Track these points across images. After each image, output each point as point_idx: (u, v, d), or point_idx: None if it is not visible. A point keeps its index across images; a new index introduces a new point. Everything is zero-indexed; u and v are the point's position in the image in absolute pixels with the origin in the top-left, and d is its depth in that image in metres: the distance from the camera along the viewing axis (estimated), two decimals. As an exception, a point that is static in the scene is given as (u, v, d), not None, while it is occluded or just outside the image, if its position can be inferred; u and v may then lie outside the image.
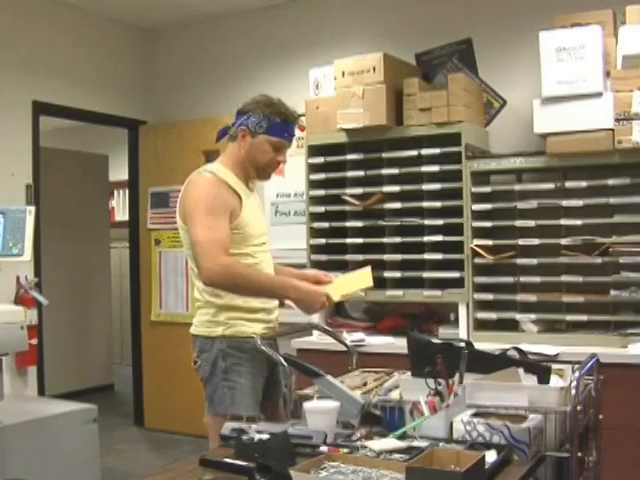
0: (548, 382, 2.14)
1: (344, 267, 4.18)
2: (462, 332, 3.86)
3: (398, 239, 4.08)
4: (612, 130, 3.47)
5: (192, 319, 2.67)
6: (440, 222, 3.97)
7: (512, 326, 3.86)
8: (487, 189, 3.95)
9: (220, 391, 2.52)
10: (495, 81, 4.34)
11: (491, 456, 1.71)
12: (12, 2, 4.72)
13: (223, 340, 2.52)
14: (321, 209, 4.29)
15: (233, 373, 2.51)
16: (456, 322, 3.94)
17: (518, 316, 3.80)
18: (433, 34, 4.49)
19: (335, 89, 4.16)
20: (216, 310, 2.55)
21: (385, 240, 4.11)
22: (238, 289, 2.46)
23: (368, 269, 2.71)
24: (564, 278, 3.69)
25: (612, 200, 3.59)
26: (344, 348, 2.68)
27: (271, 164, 2.63)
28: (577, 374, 2.00)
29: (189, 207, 2.49)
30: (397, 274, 4.07)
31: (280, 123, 2.58)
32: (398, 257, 4.07)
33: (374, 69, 3.98)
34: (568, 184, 3.71)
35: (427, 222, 3.99)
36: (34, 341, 4.40)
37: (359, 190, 4.18)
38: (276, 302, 2.68)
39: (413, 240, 4.03)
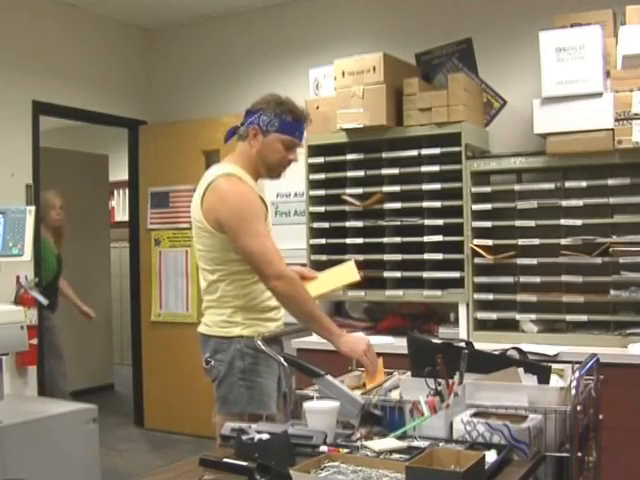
0: (548, 382, 2.14)
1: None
2: (462, 332, 3.86)
3: (398, 239, 4.08)
4: (612, 130, 3.47)
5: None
6: (440, 222, 3.96)
7: (512, 326, 3.86)
8: (487, 189, 3.95)
9: (237, 391, 2.51)
10: (495, 81, 4.34)
11: (491, 456, 1.71)
12: (12, 2, 4.72)
13: (241, 340, 2.51)
14: (321, 209, 4.29)
15: (251, 373, 2.51)
16: (456, 322, 3.94)
17: (518, 316, 3.80)
18: (433, 34, 4.49)
19: (335, 89, 4.16)
20: (233, 310, 2.54)
21: (385, 240, 4.11)
22: (294, 306, 2.49)
23: (352, 263, 2.71)
24: (564, 278, 3.69)
25: (612, 200, 3.59)
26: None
27: (283, 163, 2.63)
28: (577, 374, 2.00)
29: (229, 215, 2.47)
30: (397, 274, 4.07)
31: (291, 121, 2.58)
32: (398, 257, 4.07)
33: (374, 69, 3.98)
34: (568, 184, 3.71)
35: (427, 222, 3.99)
36: (34, 341, 4.40)
37: (359, 190, 4.18)
38: None
39: (413, 240, 4.03)
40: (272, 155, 2.59)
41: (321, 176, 4.29)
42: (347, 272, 2.68)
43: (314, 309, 2.50)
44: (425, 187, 4.00)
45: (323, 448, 1.81)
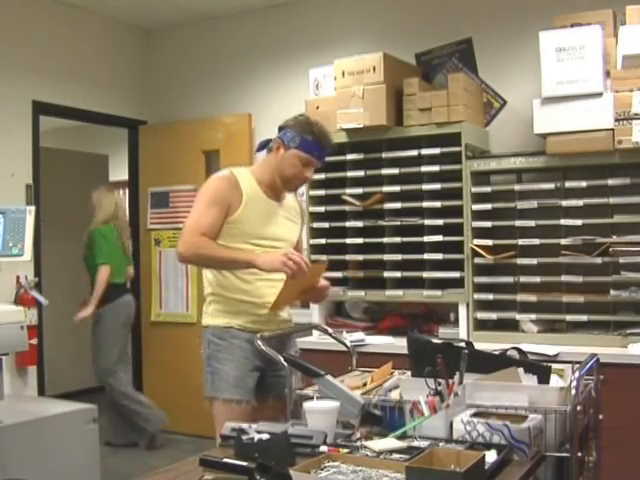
0: (548, 382, 2.14)
1: (344, 267, 4.19)
2: (462, 332, 3.86)
3: (398, 239, 4.07)
4: (612, 130, 3.47)
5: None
6: (440, 222, 3.96)
7: (512, 326, 3.86)
8: (487, 189, 3.95)
9: (205, 376, 2.73)
10: (495, 81, 4.34)
11: (491, 456, 1.71)
12: (12, 2, 4.72)
13: (209, 330, 2.75)
14: (321, 209, 4.29)
15: (213, 359, 2.70)
16: (456, 322, 3.94)
17: (518, 316, 3.80)
18: (433, 34, 4.49)
19: (335, 89, 4.16)
20: (208, 302, 2.79)
21: (385, 240, 4.11)
22: (204, 262, 2.73)
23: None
24: (564, 278, 3.69)
25: (612, 200, 3.59)
26: (344, 348, 2.69)
27: (298, 177, 2.77)
28: (577, 374, 2.00)
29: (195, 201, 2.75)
30: (397, 274, 4.07)
31: (311, 141, 2.73)
32: (398, 257, 4.07)
33: (374, 69, 3.98)
34: (568, 184, 3.71)
35: (427, 222, 3.99)
36: (34, 341, 4.40)
37: (359, 190, 4.18)
38: (269, 298, 2.67)
39: (413, 240, 4.03)
40: (288, 169, 2.74)
41: (321, 176, 4.28)
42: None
43: (223, 256, 2.63)
44: (425, 187, 3.99)
45: (323, 448, 1.81)
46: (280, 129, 2.81)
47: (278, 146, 2.76)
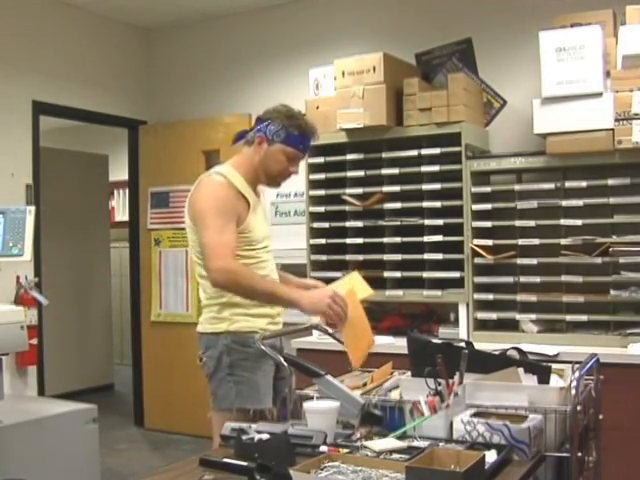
0: (548, 382, 2.14)
1: (344, 267, 4.19)
2: (462, 332, 3.86)
3: (398, 239, 4.08)
4: (612, 130, 3.47)
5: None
6: (440, 222, 3.97)
7: (512, 326, 3.86)
8: (487, 189, 3.95)
9: (225, 386, 2.55)
10: (495, 81, 4.34)
11: (491, 456, 1.71)
12: (12, 2, 4.72)
13: (227, 336, 2.56)
14: (321, 209, 4.29)
15: (238, 368, 2.54)
16: (456, 322, 3.94)
17: (518, 316, 3.80)
18: (433, 34, 4.49)
19: (335, 89, 4.16)
20: (220, 307, 2.59)
21: (385, 240, 4.11)
22: (243, 292, 2.51)
23: (356, 274, 2.70)
24: (564, 278, 3.69)
25: (612, 200, 3.59)
26: (344, 348, 2.68)
27: (283, 174, 2.69)
28: (577, 374, 2.00)
29: (199, 208, 2.54)
30: (397, 274, 4.07)
31: (298, 135, 2.63)
32: (398, 257, 4.07)
33: (374, 69, 3.98)
34: (568, 184, 3.71)
35: (427, 222, 3.99)
36: (34, 341, 4.40)
37: (359, 190, 4.18)
38: None
39: (413, 240, 4.03)
40: (273, 165, 2.64)
41: (321, 176, 4.29)
42: (357, 286, 2.65)
43: (264, 289, 2.50)
44: (425, 187, 4.00)
45: (323, 448, 1.81)
46: (259, 120, 2.66)
47: (260, 140, 2.62)
